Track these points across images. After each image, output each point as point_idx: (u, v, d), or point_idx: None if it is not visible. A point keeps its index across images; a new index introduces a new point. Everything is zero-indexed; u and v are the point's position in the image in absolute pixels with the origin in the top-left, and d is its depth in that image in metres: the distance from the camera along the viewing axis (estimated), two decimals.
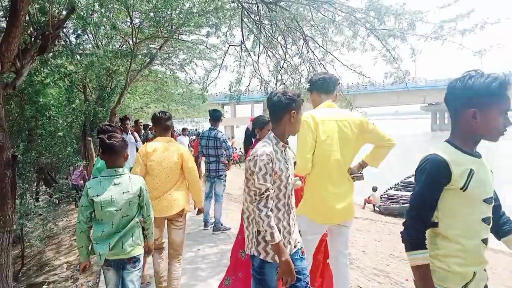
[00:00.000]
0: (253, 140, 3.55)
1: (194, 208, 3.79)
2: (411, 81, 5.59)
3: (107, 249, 2.66)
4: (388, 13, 5.05)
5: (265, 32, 6.45)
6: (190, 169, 3.46)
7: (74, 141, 11.62)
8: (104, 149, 2.75)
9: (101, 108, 11.71)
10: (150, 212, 2.88)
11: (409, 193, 14.94)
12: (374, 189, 13.76)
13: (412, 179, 17.29)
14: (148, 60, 11.48)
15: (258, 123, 3.49)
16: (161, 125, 3.55)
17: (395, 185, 16.40)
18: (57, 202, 10.33)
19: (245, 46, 6.80)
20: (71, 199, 10.76)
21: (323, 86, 2.92)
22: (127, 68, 10.36)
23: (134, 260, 2.76)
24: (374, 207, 13.57)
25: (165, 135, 3.55)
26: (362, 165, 2.91)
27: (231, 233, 5.96)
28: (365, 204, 13.55)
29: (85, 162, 10.52)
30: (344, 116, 2.82)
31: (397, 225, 10.36)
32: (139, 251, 2.79)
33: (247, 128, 3.57)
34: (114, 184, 2.70)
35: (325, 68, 6.10)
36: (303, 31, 6.07)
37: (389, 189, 15.63)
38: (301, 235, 2.86)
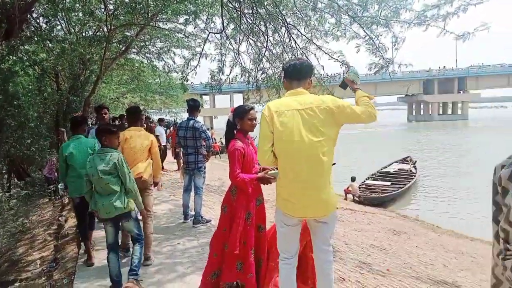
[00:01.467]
0: (235, 131, 3.42)
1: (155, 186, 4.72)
2: (391, 72, 5.54)
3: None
4: (371, 0, 4.98)
5: (246, 20, 6.28)
6: (155, 153, 4.57)
7: (47, 132, 11.19)
8: (100, 132, 3.81)
9: (75, 98, 11.31)
10: (127, 183, 3.71)
11: (386, 183, 15.35)
12: (353, 179, 13.90)
13: (389, 169, 17.65)
14: (123, 48, 11.13)
15: (239, 113, 3.37)
16: (132, 117, 4.69)
17: (372, 175, 16.61)
18: (29, 196, 9.94)
19: (226, 34, 6.62)
20: (46, 192, 10.38)
21: (293, 73, 2.78)
22: (102, 56, 10.01)
23: (126, 215, 3.77)
24: (353, 197, 13.69)
25: (136, 125, 4.61)
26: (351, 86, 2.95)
27: (212, 225, 5.84)
28: (346, 194, 13.66)
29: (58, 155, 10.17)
30: (310, 102, 2.64)
31: (376, 214, 10.49)
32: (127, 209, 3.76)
33: (229, 119, 3.43)
34: (100, 159, 3.69)
35: (307, 57, 6.00)
36: (284, 18, 5.93)
37: (366, 179, 15.82)
38: (277, 225, 2.85)
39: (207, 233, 5.51)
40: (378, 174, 16.81)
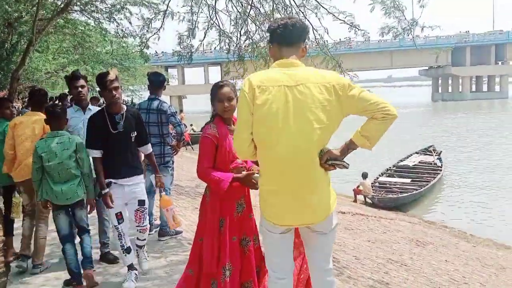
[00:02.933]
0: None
1: None
2: (415, 36, 5.48)
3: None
4: None
5: None
6: None
7: None
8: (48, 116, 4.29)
9: None
10: (86, 168, 4.24)
11: (404, 180, 15.48)
12: (364, 175, 13.87)
13: (407, 162, 17.83)
14: (62, 5, 10.86)
15: (210, 93, 3.33)
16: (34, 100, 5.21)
17: (387, 170, 16.76)
18: None
19: None
20: None
21: (284, 36, 2.64)
22: (33, 15, 9.75)
23: (81, 202, 4.30)
24: (365, 198, 13.78)
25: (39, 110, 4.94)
26: (350, 146, 2.59)
27: (183, 238, 5.79)
28: (355, 196, 13.73)
29: None
30: (305, 78, 2.52)
31: (394, 220, 10.59)
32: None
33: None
34: (58, 143, 4.15)
35: (305, 18, 5.92)
36: None
37: (380, 175, 15.93)
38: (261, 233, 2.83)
39: (177, 248, 5.45)
40: (394, 168, 16.97)
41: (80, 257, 4.30)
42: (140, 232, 4.33)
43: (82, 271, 4.22)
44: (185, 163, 14.25)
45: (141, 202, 4.22)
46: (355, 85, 2.60)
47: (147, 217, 4.39)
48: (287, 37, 2.66)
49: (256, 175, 3.15)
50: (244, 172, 3.21)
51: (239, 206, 3.35)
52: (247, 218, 3.42)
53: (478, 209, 13.16)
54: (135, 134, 4.19)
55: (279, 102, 2.48)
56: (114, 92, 4.01)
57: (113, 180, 4.09)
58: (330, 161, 2.54)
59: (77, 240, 4.49)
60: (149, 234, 5.86)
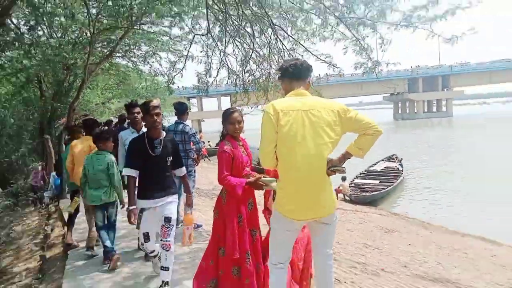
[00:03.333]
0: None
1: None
2: (378, 72, 5.50)
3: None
4: (358, 1, 4.94)
5: (232, 21, 6.18)
6: None
7: (30, 140, 10.93)
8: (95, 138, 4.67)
9: (59, 104, 11.07)
10: (115, 181, 4.58)
11: (374, 181, 15.39)
12: (343, 178, 13.82)
13: (376, 167, 17.73)
14: (107, 53, 10.93)
15: (222, 117, 3.36)
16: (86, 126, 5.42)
17: (361, 173, 16.67)
18: (13, 205, 9.68)
19: (212, 36, 6.51)
20: (30, 201, 10.11)
21: (294, 73, 2.71)
22: (85, 60, 9.80)
23: (112, 203, 4.68)
24: (344, 196, 13.69)
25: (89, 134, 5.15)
26: (346, 156, 2.67)
27: (203, 230, 5.74)
28: (337, 194, 13.64)
29: (40, 163, 9.91)
30: (315, 104, 2.59)
31: (368, 213, 10.49)
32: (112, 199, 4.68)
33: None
34: (97, 159, 4.57)
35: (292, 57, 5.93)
36: (271, 20, 5.86)
37: (355, 178, 15.86)
38: (273, 230, 2.77)
39: (198, 238, 5.39)
40: (366, 172, 16.88)
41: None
42: (163, 248, 3.61)
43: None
44: (204, 172, 14.19)
45: (168, 219, 3.63)
46: (351, 109, 2.66)
47: (173, 233, 3.68)
48: (296, 74, 2.71)
49: (263, 178, 3.15)
50: (252, 178, 3.20)
51: (249, 205, 3.35)
52: (255, 214, 3.41)
53: (432, 203, 13.06)
54: (171, 159, 3.73)
55: (298, 123, 2.54)
56: (155, 118, 3.58)
57: (145, 207, 3.67)
58: (332, 167, 2.60)
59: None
60: (177, 228, 5.86)
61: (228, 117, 3.28)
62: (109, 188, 4.61)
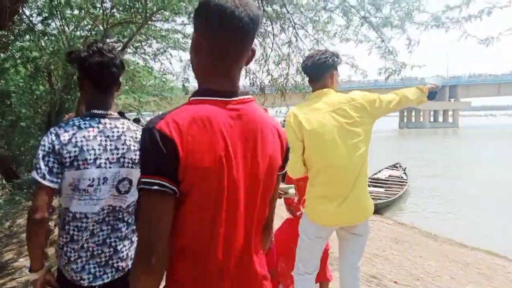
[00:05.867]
0: None
1: None
2: (404, 77, 5.28)
3: None
4: (384, 0, 4.74)
5: None
6: None
7: (39, 132, 10.79)
8: None
9: (68, 97, 10.92)
10: None
11: (379, 189, 15.14)
12: None
13: (380, 175, 17.56)
14: (119, 48, 10.79)
15: None
16: None
17: None
18: (17, 199, 9.53)
19: None
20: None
21: (309, 74, 2.56)
22: None
23: None
24: None
25: None
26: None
27: None
28: None
29: None
30: (339, 102, 2.42)
31: (375, 222, 10.26)
32: None
33: None
34: None
35: None
36: (292, 18, 5.68)
37: None
38: (301, 237, 2.58)
39: None
40: (370, 180, 16.64)
41: None
42: None
43: None
44: None
45: None
46: (374, 95, 2.48)
47: None
48: (311, 75, 2.66)
49: (282, 186, 2.99)
50: None
51: None
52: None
53: (438, 213, 12.83)
54: None
55: (325, 126, 2.38)
56: None
57: None
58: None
59: None
60: None
61: None
62: None
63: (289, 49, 5.97)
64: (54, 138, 1.73)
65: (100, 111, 1.83)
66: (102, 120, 1.81)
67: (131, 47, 12.11)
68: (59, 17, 10.03)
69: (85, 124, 1.79)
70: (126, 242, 1.87)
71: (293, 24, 5.71)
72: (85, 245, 1.79)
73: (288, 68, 6.11)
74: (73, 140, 1.73)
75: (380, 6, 4.73)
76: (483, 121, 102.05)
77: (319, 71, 2.51)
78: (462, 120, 77.51)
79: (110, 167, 1.78)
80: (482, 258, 7.70)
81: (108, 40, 10.99)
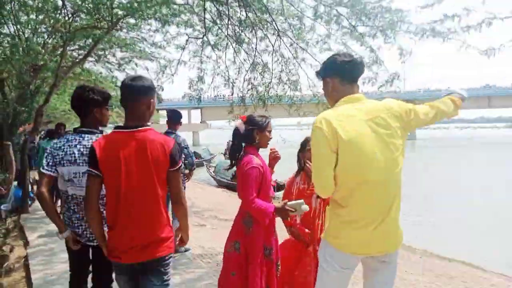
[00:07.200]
0: (243, 145, 2.78)
1: None
2: (396, 88, 5.11)
3: None
4: (371, 11, 4.59)
5: (232, 25, 5.66)
6: None
7: None
8: None
9: (23, 108, 10.08)
10: None
11: None
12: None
13: None
14: (83, 55, 10.12)
15: (258, 124, 2.74)
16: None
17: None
18: None
19: (208, 40, 5.97)
20: None
21: (352, 73, 2.15)
22: (57, 62, 8.98)
23: None
24: None
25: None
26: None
27: (192, 255, 5.09)
28: None
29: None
30: (376, 109, 2.08)
31: None
32: None
33: (237, 129, 2.77)
34: None
35: (300, 67, 5.52)
36: (276, 25, 5.40)
37: None
38: (322, 268, 2.22)
39: (188, 264, 4.75)
40: None
41: None
42: None
43: None
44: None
45: None
46: (410, 104, 2.20)
47: None
48: (354, 73, 2.19)
49: (291, 202, 2.64)
50: (281, 202, 2.66)
51: (274, 233, 2.78)
52: (277, 243, 2.86)
53: (410, 224, 12.88)
54: None
55: (362, 136, 2.01)
56: None
57: None
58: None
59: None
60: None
61: (268, 123, 2.74)
62: None
63: (271, 57, 5.69)
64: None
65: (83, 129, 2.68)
66: (84, 135, 2.64)
67: (94, 55, 11.45)
68: (13, 21, 9.29)
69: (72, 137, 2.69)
70: None
71: (277, 31, 5.42)
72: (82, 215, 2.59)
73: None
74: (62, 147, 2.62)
75: (369, 15, 4.55)
76: (437, 133, 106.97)
77: (357, 74, 2.20)
78: (419, 132, 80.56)
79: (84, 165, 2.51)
80: (463, 270, 7.68)
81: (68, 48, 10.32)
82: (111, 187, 2.15)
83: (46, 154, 2.61)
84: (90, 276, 2.76)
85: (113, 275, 2.46)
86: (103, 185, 2.19)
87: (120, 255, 2.16)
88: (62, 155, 2.54)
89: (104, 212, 2.29)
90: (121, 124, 2.31)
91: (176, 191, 2.24)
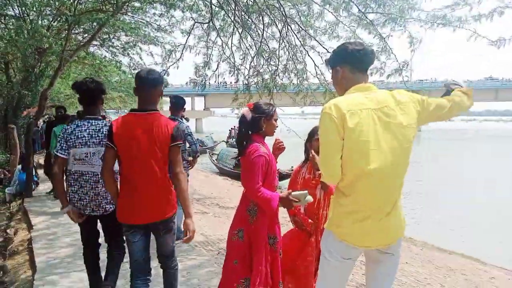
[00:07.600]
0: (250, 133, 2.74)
1: None
2: (404, 78, 5.02)
3: None
4: None
5: (239, 10, 5.55)
6: None
7: None
8: None
9: (28, 92, 10.08)
10: None
11: None
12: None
13: None
14: (88, 38, 10.07)
15: (264, 112, 2.71)
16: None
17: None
18: None
19: (214, 25, 5.88)
20: None
21: (363, 61, 2.10)
22: (62, 45, 8.94)
23: None
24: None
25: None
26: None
27: (194, 242, 5.10)
28: None
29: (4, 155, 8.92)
30: (385, 100, 2.04)
31: None
32: None
33: (243, 116, 2.73)
34: None
35: (308, 55, 5.44)
36: (284, 11, 5.29)
37: None
38: (324, 257, 2.20)
39: (189, 252, 4.77)
40: None
41: None
42: None
43: None
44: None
45: None
46: (422, 96, 2.14)
47: None
48: (365, 62, 2.14)
49: (296, 192, 2.62)
50: (286, 192, 2.64)
51: (278, 221, 2.78)
52: (280, 231, 2.85)
53: (410, 216, 12.87)
54: None
55: (368, 125, 1.97)
56: None
57: None
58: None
59: None
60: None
61: (273, 113, 2.71)
62: None
63: (279, 43, 5.59)
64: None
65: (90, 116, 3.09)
66: (90, 121, 3.05)
67: (98, 39, 11.37)
68: (18, 3, 9.22)
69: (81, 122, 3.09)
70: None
71: (285, 18, 5.31)
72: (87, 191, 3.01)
73: (278, 63, 5.70)
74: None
75: (382, 1, 4.46)
76: (443, 126, 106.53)
77: (368, 62, 2.15)
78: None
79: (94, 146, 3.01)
80: (462, 263, 7.68)
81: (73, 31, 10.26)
82: (123, 158, 2.57)
83: (58, 139, 3.03)
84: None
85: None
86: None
87: (133, 217, 2.58)
88: (74, 138, 2.95)
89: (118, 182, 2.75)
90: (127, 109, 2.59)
91: (174, 162, 2.63)
